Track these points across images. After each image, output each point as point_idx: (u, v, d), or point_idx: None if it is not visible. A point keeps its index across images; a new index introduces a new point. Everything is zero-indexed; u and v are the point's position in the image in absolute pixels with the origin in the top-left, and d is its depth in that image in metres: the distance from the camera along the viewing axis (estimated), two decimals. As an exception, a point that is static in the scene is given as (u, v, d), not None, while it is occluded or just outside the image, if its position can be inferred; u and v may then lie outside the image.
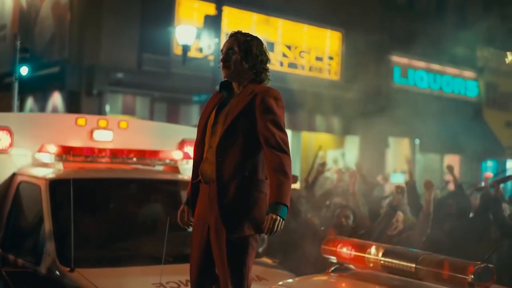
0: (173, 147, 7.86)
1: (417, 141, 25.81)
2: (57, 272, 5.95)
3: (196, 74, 19.30)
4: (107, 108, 18.74)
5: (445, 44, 25.86)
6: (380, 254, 5.31)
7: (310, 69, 23.45)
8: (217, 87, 4.95)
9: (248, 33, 4.93)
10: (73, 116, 7.56)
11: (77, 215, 6.04)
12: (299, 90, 21.93)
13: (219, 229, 4.49)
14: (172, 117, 19.69)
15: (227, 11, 18.51)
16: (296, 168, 19.66)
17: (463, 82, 28.75)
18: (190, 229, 4.84)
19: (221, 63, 4.76)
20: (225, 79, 4.77)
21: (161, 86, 19.61)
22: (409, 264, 5.11)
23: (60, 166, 6.90)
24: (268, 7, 21.63)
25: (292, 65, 22.89)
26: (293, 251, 7.66)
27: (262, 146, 4.49)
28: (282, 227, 4.33)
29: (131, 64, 19.47)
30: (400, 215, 7.94)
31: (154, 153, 7.44)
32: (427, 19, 26.04)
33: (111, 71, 18.87)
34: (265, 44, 4.99)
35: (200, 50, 18.84)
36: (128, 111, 19.30)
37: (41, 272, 6.13)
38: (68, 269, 5.81)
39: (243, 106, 4.54)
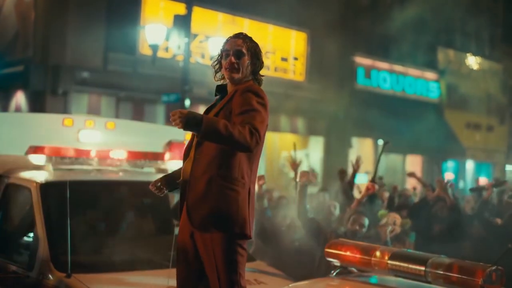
0: (160, 148, 7.73)
1: (381, 142, 25.92)
2: (52, 278, 5.77)
3: (162, 74, 19.12)
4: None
5: (407, 45, 26.10)
6: (387, 257, 5.27)
7: (276, 69, 23.40)
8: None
9: (251, 37, 4.82)
10: (60, 117, 7.38)
11: (70, 219, 5.86)
12: (264, 90, 21.86)
13: (205, 237, 4.39)
14: (137, 118, 19.43)
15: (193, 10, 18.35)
16: (261, 169, 19.60)
17: (425, 83, 29.04)
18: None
19: (228, 65, 4.58)
20: (231, 82, 4.63)
21: (126, 86, 19.36)
22: (418, 267, 5.07)
23: (50, 168, 6.71)
24: (234, 7, 21.53)
25: (257, 65, 22.75)
26: (289, 252, 7.60)
27: None
28: (181, 122, 4.01)
29: (97, 63, 19.18)
30: (397, 218, 7.92)
31: (143, 155, 7.29)
32: (390, 21, 26.19)
33: (76, 70, 18.56)
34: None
35: (166, 49, 18.68)
36: (94, 110, 18.99)
37: (33, 277, 5.94)
38: (64, 274, 5.62)
39: (224, 103, 4.48)
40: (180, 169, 4.86)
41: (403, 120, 25.76)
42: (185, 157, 4.61)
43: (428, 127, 27.04)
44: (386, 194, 11.76)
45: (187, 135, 8.09)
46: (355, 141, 26.16)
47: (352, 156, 25.81)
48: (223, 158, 4.36)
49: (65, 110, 18.22)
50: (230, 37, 4.72)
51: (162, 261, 5.91)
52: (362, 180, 23.91)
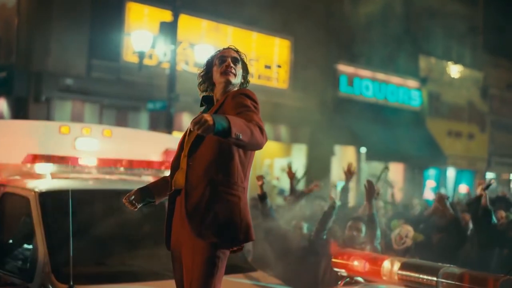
0: (157, 157, 7.62)
1: (363, 150, 26.00)
2: (53, 289, 5.64)
3: (146, 82, 19.03)
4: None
5: (390, 53, 26.22)
6: (397, 267, 5.21)
7: (259, 77, 23.35)
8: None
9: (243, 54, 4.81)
10: (56, 124, 7.25)
11: (68, 229, 5.72)
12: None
13: (190, 245, 4.27)
14: (121, 125, 19.28)
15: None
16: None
17: (407, 91, 29.14)
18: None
19: (225, 69, 4.53)
20: (226, 86, 4.56)
21: (110, 93, 19.23)
22: (429, 278, 5.02)
23: (47, 176, 6.58)
24: (218, 14, 21.48)
25: (241, 73, 22.71)
26: (290, 262, 7.53)
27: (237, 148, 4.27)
28: (207, 128, 3.71)
29: (80, 70, 19.01)
30: (410, 230, 7.87)
31: (141, 163, 7.18)
32: (373, 29, 26.31)
33: (60, 77, 18.41)
34: None
35: (150, 57, 18.57)
36: (77, 118, 18.81)
37: (33, 289, 5.80)
38: (66, 286, 5.49)
39: (215, 109, 4.42)
40: (158, 181, 4.87)
41: (385, 128, 25.86)
42: (174, 169, 4.51)
43: (410, 135, 27.19)
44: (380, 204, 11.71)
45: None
46: (337, 148, 26.16)
47: (334, 164, 25.92)
48: (221, 163, 4.28)
49: (48, 117, 18.04)
50: (223, 48, 4.71)
51: (165, 272, 5.80)
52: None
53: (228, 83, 4.52)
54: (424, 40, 29.36)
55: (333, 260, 5.63)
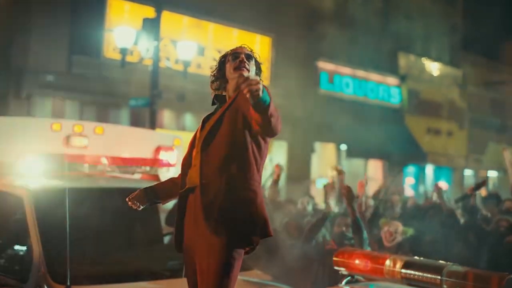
0: (149, 154, 7.53)
1: (344, 147, 26.03)
2: (49, 290, 5.52)
3: (128, 78, 18.86)
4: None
5: (370, 51, 26.27)
6: (400, 266, 5.18)
7: (240, 74, 23.21)
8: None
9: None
10: (48, 121, 7.12)
11: (63, 228, 5.61)
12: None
13: (204, 244, 4.18)
14: (102, 122, 19.10)
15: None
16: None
17: (386, 88, 29.20)
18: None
19: (238, 64, 4.55)
20: (239, 77, 4.52)
21: (91, 90, 19.04)
22: (434, 276, 5.00)
23: (41, 174, 6.45)
24: (199, 10, 21.35)
25: (222, 70, 22.63)
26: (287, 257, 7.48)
27: (252, 139, 4.28)
28: (256, 90, 3.70)
29: (61, 67, 18.80)
30: (399, 226, 7.87)
31: (134, 160, 7.09)
32: (353, 26, 26.35)
33: (40, 74, 18.18)
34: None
35: (131, 53, 18.41)
36: (57, 114, 18.60)
37: (28, 290, 5.68)
38: (63, 286, 5.38)
39: (228, 104, 4.40)
40: (165, 182, 4.86)
41: (365, 125, 25.88)
42: (186, 167, 4.47)
43: (390, 132, 27.24)
44: (371, 202, 11.71)
45: (176, 141, 7.93)
46: (317, 146, 26.17)
47: (314, 161, 25.94)
48: (236, 158, 4.25)
49: (28, 113, 17.82)
50: (236, 47, 4.75)
51: (162, 271, 5.74)
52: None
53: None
54: (403, 38, 29.43)
55: (334, 258, 5.59)
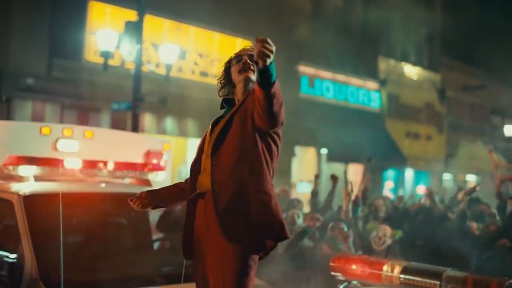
0: (139, 158, 7.44)
1: (325, 151, 26.05)
2: (42, 297, 5.42)
3: (109, 82, 18.73)
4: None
5: (350, 55, 26.32)
6: (398, 271, 5.16)
7: (221, 77, 23.17)
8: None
9: None
10: (37, 125, 7.01)
11: (56, 233, 5.51)
12: (210, 98, 21.66)
13: (218, 252, 4.09)
14: (82, 125, 18.96)
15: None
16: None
17: (367, 93, 29.30)
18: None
19: (243, 65, 4.49)
20: (246, 83, 4.48)
21: (71, 93, 18.89)
22: (432, 281, 4.98)
23: (31, 179, 6.36)
24: (180, 14, 21.27)
25: (203, 74, 22.60)
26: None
27: (263, 141, 4.20)
28: (266, 55, 3.63)
29: (41, 70, 18.64)
30: (387, 229, 7.87)
31: (125, 165, 7.00)
32: (334, 31, 26.40)
33: (20, 77, 17.98)
34: None
35: (112, 56, 18.27)
36: (37, 118, 18.43)
37: (20, 297, 5.57)
38: (57, 293, 5.28)
39: (237, 107, 4.34)
40: (169, 187, 4.76)
41: (345, 129, 25.92)
42: (195, 172, 4.39)
43: (370, 136, 27.31)
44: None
45: (166, 145, 7.85)
46: (298, 150, 26.16)
47: (295, 165, 25.92)
48: (247, 160, 4.17)
49: (8, 117, 17.63)
50: (240, 50, 4.68)
51: (156, 277, 5.67)
52: (304, 189, 24.04)
53: (247, 80, 4.43)
54: (383, 42, 29.57)
55: (331, 264, 5.56)
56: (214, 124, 4.45)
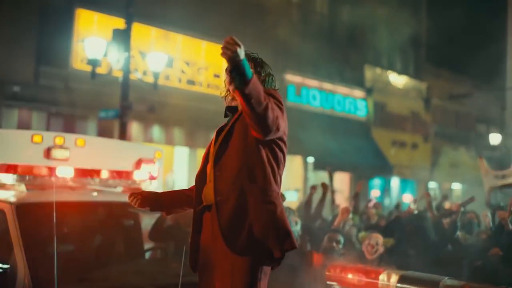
0: (130, 167, 7.39)
1: (311, 159, 26.06)
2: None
3: (96, 90, 18.66)
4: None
5: (336, 64, 26.38)
6: (395, 280, 5.15)
7: (208, 86, 23.18)
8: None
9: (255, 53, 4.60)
10: (28, 133, 6.94)
11: (49, 242, 5.45)
12: (197, 107, 21.67)
13: (226, 266, 3.98)
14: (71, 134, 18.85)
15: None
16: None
17: (353, 101, 29.37)
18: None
19: (227, 79, 4.33)
20: (232, 96, 4.37)
21: (58, 101, 18.81)
22: (430, 290, 4.98)
23: (22, 187, 6.30)
24: (168, 22, 21.25)
25: (190, 82, 22.59)
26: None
27: (266, 148, 4.05)
28: (231, 52, 3.58)
29: (28, 77, 18.54)
30: (379, 237, 7.85)
31: (117, 173, 6.95)
32: (321, 39, 26.49)
33: (6, 84, 17.91)
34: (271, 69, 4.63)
35: (99, 64, 18.21)
36: (24, 126, 18.33)
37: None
38: (51, 304, 5.21)
39: (238, 114, 4.22)
40: (173, 192, 4.63)
41: (332, 138, 25.97)
42: (200, 183, 4.25)
43: (356, 145, 27.38)
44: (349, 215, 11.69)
45: (158, 153, 7.80)
46: (284, 158, 26.12)
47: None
48: (250, 169, 4.03)
49: (-6, 125, 17.55)
50: None
51: (150, 287, 5.62)
52: (291, 197, 24.02)
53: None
54: (369, 51, 29.67)
55: (326, 273, 5.54)
56: (218, 133, 4.32)
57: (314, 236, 8.48)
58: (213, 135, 4.38)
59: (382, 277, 5.20)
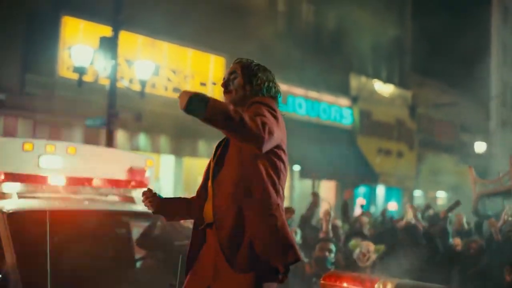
0: (121, 175, 7.35)
1: (297, 167, 26.07)
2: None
3: (82, 98, 18.58)
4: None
5: (322, 72, 26.44)
6: (391, 289, 5.14)
7: (194, 94, 23.14)
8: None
9: (253, 60, 4.50)
10: (19, 141, 6.90)
11: (42, 251, 5.40)
12: (183, 115, 21.57)
13: (231, 284, 3.86)
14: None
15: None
16: (178, 195, 19.20)
17: (338, 109, 29.42)
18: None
19: (223, 87, 4.32)
20: (233, 102, 4.20)
21: (44, 109, 18.70)
22: (426, 299, 4.98)
23: (14, 196, 6.25)
24: (154, 30, 21.20)
25: (176, 90, 22.51)
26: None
27: (264, 159, 3.92)
28: (195, 107, 3.56)
29: (14, 85, 18.43)
30: (370, 245, 7.87)
31: (109, 182, 6.92)
32: (306, 48, 26.55)
33: (-8, 92, 17.82)
34: (273, 76, 4.53)
35: (86, 72, 18.15)
36: (9, 134, 18.21)
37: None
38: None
39: None
40: (175, 199, 4.50)
41: (318, 146, 25.99)
42: (201, 199, 4.16)
43: (342, 153, 27.43)
44: (339, 223, 11.69)
45: (149, 161, 7.77)
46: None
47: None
48: (247, 184, 3.90)
49: (-21, 133, 17.45)
50: None
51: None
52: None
53: (232, 102, 4.16)
54: (355, 59, 29.77)
55: (321, 281, 5.52)
56: (217, 147, 4.25)
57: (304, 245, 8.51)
58: (214, 150, 4.29)
59: (378, 286, 5.18)
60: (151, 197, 4.31)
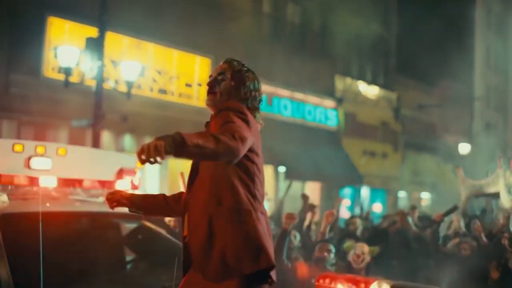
0: (111, 176, 7.29)
1: (283, 169, 26.07)
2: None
3: (67, 98, 18.47)
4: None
5: (307, 73, 26.49)
6: (386, 290, 5.13)
7: (180, 95, 23.12)
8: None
9: (243, 63, 4.47)
10: (9, 142, 6.82)
11: (34, 254, 5.34)
12: (168, 116, 21.58)
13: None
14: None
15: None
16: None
17: (324, 111, 29.45)
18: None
19: (208, 89, 4.29)
20: (207, 106, 4.30)
21: (29, 110, 18.59)
22: (423, 300, 4.98)
23: (4, 197, 6.18)
24: (139, 31, 21.14)
25: (162, 91, 22.49)
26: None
27: (236, 164, 3.77)
28: (162, 155, 3.45)
29: (-2, 86, 18.34)
30: (365, 247, 7.87)
31: (100, 183, 6.86)
32: (292, 49, 26.59)
33: (-24, 93, 17.71)
34: (259, 82, 4.52)
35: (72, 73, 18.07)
36: (-7, 135, 18.14)
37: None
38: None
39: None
40: (153, 196, 4.49)
41: (303, 147, 26.02)
42: (184, 210, 4.08)
43: (327, 154, 27.48)
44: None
45: (139, 163, 7.71)
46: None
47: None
48: (218, 193, 3.83)
49: (-37, 134, 17.33)
50: None
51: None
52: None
53: (207, 102, 4.25)
54: (340, 61, 29.84)
55: (316, 283, 5.51)
56: None
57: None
58: None
59: (373, 287, 5.17)
60: (116, 195, 4.42)
